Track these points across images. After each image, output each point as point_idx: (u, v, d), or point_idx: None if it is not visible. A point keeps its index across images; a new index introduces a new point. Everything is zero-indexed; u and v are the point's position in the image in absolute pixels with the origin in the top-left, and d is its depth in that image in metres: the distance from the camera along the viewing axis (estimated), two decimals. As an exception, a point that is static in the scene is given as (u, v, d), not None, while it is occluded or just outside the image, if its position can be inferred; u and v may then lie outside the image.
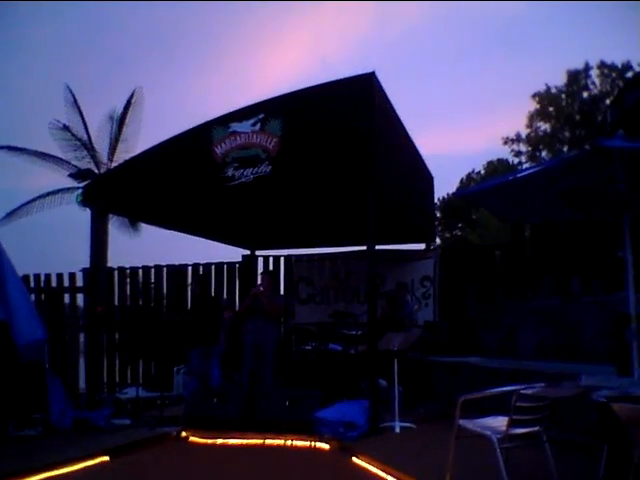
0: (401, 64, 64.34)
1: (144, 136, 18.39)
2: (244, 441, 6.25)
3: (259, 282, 8.40)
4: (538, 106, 29.50)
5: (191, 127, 7.27)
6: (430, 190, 10.27)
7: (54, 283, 11.02)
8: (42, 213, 18.00)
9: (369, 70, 6.56)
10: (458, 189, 28.69)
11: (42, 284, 11.04)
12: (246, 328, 8.14)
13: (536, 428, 3.97)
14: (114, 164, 17.53)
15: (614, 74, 27.82)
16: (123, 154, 17.62)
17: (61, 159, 17.99)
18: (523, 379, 4.69)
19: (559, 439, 4.38)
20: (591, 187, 5.12)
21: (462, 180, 30.83)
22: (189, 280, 10.59)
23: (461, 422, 4.09)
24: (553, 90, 29.19)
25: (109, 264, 13.87)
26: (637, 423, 3.42)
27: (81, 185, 14.84)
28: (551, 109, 29.24)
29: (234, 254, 10.91)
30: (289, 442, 6.12)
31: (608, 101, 23.10)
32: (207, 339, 8.53)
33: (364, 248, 6.96)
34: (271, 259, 10.73)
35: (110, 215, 15.64)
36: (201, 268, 10.79)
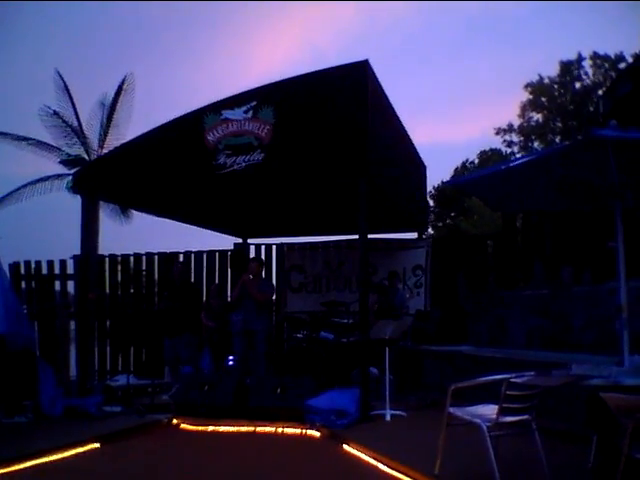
0: (395, 54, 64.18)
1: (135, 123, 18.26)
2: (235, 428, 6.26)
3: (248, 270, 8.36)
4: (531, 97, 29.49)
5: (183, 114, 7.23)
6: (423, 179, 10.27)
7: (45, 270, 10.97)
8: (32, 200, 17.87)
9: (362, 59, 6.54)
10: (451, 178, 28.68)
11: (32, 271, 10.98)
12: (237, 316, 8.13)
13: (526, 416, 3.98)
14: (105, 151, 17.40)
15: (607, 65, 27.83)
16: (114, 141, 17.49)
17: (51, 145, 17.84)
18: (513, 368, 4.69)
19: (549, 428, 4.41)
20: (583, 177, 5.13)
21: (456, 169, 30.85)
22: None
23: (451, 410, 4.11)
24: (546, 81, 29.17)
25: (100, 251, 13.77)
26: (626, 412, 3.44)
27: (72, 172, 14.73)
28: (543, 100, 29.24)
29: (226, 242, 10.89)
30: (280, 430, 6.14)
31: (601, 92, 23.12)
32: (193, 327, 8.44)
33: (356, 237, 6.96)
34: (263, 247, 10.72)
35: (101, 202, 15.54)
36: (192, 256, 10.76)
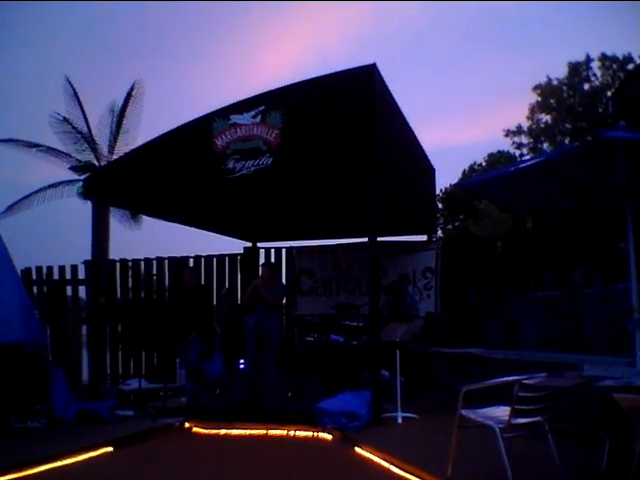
0: (402, 57, 64.22)
1: (144, 128, 18.33)
2: (247, 431, 6.27)
3: (260, 274, 8.39)
4: (539, 98, 29.37)
5: (191, 119, 7.26)
6: (431, 181, 10.26)
7: (56, 275, 11.04)
8: (43, 206, 17.95)
9: (370, 62, 6.55)
10: (460, 181, 28.59)
11: (44, 276, 11.04)
12: (249, 319, 8.17)
13: (538, 418, 3.98)
14: (115, 157, 17.47)
15: (615, 66, 27.67)
16: (124, 146, 17.53)
17: (62, 152, 17.94)
18: (525, 369, 4.69)
19: (561, 429, 4.39)
20: (593, 178, 5.12)
21: (464, 172, 30.75)
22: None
23: (463, 412, 4.10)
24: (554, 82, 29.02)
25: (111, 256, 13.84)
26: (639, 413, 3.44)
27: (82, 178, 14.81)
28: (552, 101, 29.07)
29: (236, 246, 10.92)
30: (292, 432, 6.14)
31: (609, 93, 23.02)
32: (205, 331, 8.46)
33: (365, 240, 6.97)
34: (272, 251, 10.73)
35: (112, 207, 15.61)
36: (203, 260, 10.80)
